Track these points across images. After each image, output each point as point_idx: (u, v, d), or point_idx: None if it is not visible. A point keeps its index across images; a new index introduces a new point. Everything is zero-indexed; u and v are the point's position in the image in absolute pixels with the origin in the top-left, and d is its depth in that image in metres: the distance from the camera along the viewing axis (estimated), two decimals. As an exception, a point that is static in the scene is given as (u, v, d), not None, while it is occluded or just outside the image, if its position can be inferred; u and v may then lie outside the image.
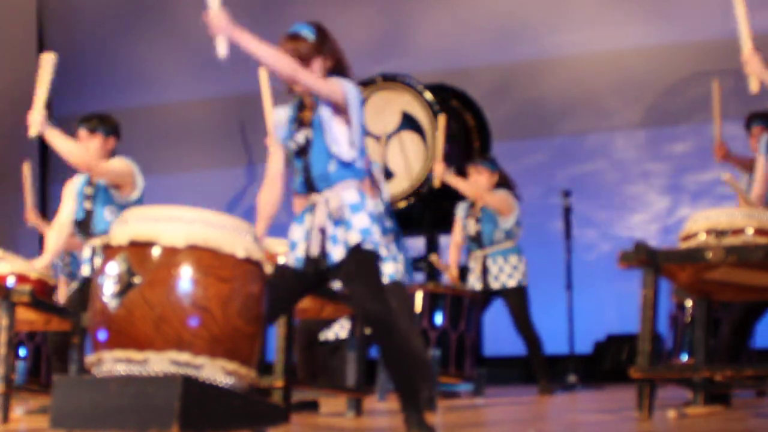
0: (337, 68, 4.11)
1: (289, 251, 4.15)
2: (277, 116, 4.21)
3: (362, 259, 4.04)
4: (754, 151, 6.56)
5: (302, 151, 4.10)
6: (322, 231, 4.06)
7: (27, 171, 8.09)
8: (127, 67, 11.54)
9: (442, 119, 7.85)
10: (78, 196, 6.03)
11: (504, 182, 7.56)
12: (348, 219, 4.05)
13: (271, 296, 3.92)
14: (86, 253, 5.93)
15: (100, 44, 11.71)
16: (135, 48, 11.56)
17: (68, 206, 6.04)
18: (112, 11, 11.80)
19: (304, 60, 4.04)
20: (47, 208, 11.31)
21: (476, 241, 7.49)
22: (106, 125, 6.00)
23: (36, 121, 5.49)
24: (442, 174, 7.40)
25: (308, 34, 4.08)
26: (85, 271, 5.93)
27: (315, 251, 4.06)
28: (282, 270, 4.14)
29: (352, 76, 4.14)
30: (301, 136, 4.11)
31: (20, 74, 11.50)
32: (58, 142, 5.66)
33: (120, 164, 5.90)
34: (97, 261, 5.79)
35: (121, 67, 11.55)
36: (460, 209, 7.64)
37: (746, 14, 4.68)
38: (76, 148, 5.75)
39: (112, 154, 6.00)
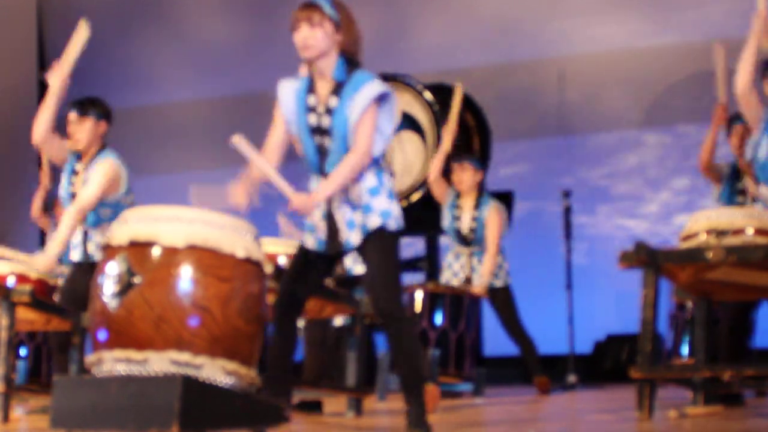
0: (349, 47, 4.07)
1: (308, 234, 4.13)
2: (283, 91, 4.17)
3: (381, 244, 4.03)
4: (734, 149, 6.53)
5: (317, 133, 4.06)
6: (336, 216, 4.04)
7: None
8: (126, 67, 11.54)
9: (458, 89, 7.66)
10: (67, 173, 5.84)
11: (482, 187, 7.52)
12: (367, 203, 4.03)
13: (298, 278, 4.05)
14: (78, 237, 5.79)
15: (100, 44, 11.67)
16: (135, 48, 11.57)
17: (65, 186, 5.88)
18: (111, 11, 11.80)
19: (314, 22, 4.00)
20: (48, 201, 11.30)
21: (465, 239, 7.45)
22: (98, 108, 5.84)
23: (42, 265, 5.35)
24: (485, 290, 7.30)
25: (324, 4, 4.04)
26: (74, 255, 5.79)
27: (343, 236, 4.03)
28: (303, 252, 4.12)
29: (361, 57, 4.09)
30: (317, 120, 4.04)
31: (20, 74, 11.52)
32: (61, 242, 5.44)
33: (102, 172, 5.64)
34: (91, 246, 5.75)
35: (120, 67, 11.55)
36: (449, 195, 7.54)
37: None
38: (69, 224, 5.49)
39: (103, 138, 5.84)
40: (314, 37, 4.01)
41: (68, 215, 5.54)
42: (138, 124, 10.99)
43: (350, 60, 4.09)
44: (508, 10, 10.40)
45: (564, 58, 10.20)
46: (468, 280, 7.39)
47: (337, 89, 4.03)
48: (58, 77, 5.55)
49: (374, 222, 4.03)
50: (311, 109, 4.07)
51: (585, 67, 10.15)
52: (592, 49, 10.13)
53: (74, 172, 5.83)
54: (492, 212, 7.38)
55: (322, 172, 4.07)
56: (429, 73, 9.66)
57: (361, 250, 4.06)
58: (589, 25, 10.14)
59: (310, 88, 4.09)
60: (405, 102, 8.86)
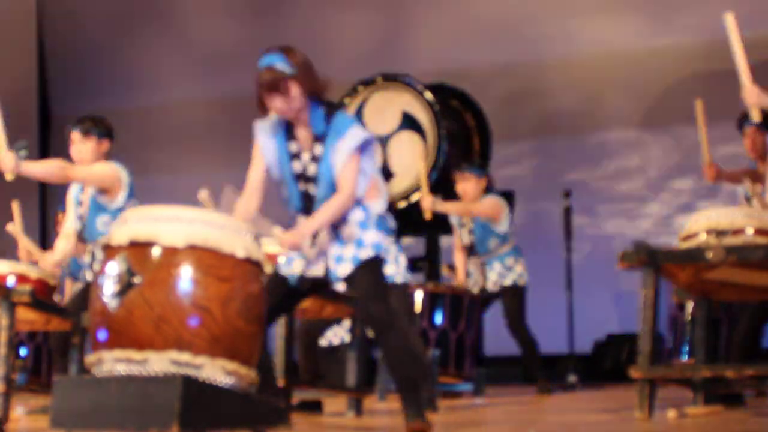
0: (313, 88, 4.10)
1: (285, 264, 4.18)
2: (261, 135, 4.21)
3: (369, 268, 4.14)
4: (747, 152, 6.51)
5: (302, 179, 4.14)
6: (325, 252, 4.13)
7: (16, 209, 7.67)
8: (126, 68, 11.54)
9: (422, 157, 7.75)
10: (74, 204, 5.99)
11: (490, 185, 7.50)
12: (359, 237, 4.14)
13: (272, 303, 4.02)
14: (87, 258, 5.92)
15: (100, 44, 11.70)
16: (134, 48, 11.56)
17: (72, 214, 6.02)
18: (111, 12, 11.80)
19: (282, 90, 4.03)
20: (47, 212, 11.31)
21: (471, 250, 7.46)
22: (100, 128, 5.94)
23: (6, 164, 5.39)
24: (431, 206, 7.24)
25: (281, 64, 4.06)
26: (87, 276, 5.92)
27: (321, 273, 4.14)
28: (277, 279, 4.18)
29: (326, 91, 4.15)
30: (302, 167, 4.13)
31: (20, 74, 11.51)
32: (33, 170, 5.60)
33: (101, 167, 5.82)
34: (96, 266, 5.80)
35: (120, 67, 11.54)
36: (453, 216, 7.57)
37: (742, 47, 4.68)
38: (49, 167, 5.69)
39: (106, 156, 5.94)
40: (287, 103, 4.06)
41: (52, 163, 5.75)
42: (138, 124, 10.99)
43: (325, 103, 4.12)
44: (509, 10, 10.40)
45: (564, 58, 10.20)
46: (483, 290, 7.39)
47: (321, 136, 4.10)
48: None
49: (367, 254, 4.13)
50: (294, 156, 4.13)
51: (585, 68, 10.14)
52: (592, 50, 10.12)
53: (79, 203, 5.93)
54: (488, 197, 7.34)
55: (308, 215, 4.14)
56: (429, 73, 9.66)
57: (350, 277, 4.15)
58: (589, 26, 10.13)
59: (290, 134, 4.13)
60: (405, 102, 8.85)
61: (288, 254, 4.18)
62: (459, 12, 10.54)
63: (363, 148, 4.11)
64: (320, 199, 4.11)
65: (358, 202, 4.16)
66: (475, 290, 7.38)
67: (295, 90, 4.05)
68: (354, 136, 4.09)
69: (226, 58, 10.64)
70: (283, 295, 4.21)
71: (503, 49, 10.35)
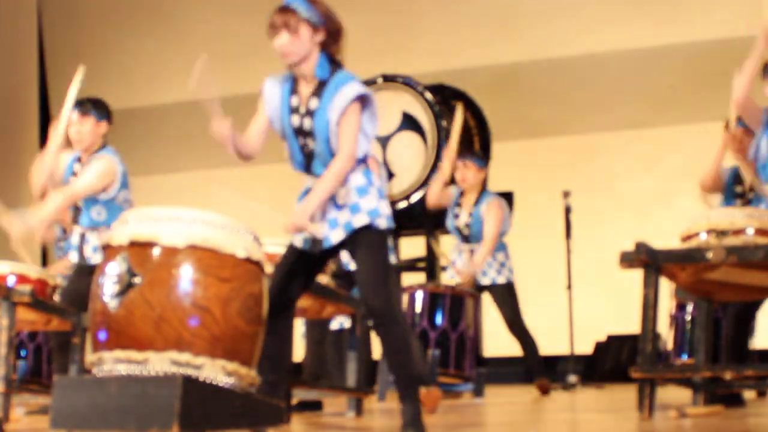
0: (330, 44, 4.02)
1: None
2: (268, 90, 4.15)
3: (369, 242, 4.00)
4: (734, 153, 6.47)
5: (301, 133, 4.05)
6: (322, 214, 4.02)
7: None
8: (126, 68, 11.54)
9: (459, 109, 7.76)
10: (67, 176, 5.88)
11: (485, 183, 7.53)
12: (355, 202, 4.00)
13: (288, 276, 3.98)
14: (75, 239, 5.84)
15: (100, 44, 11.71)
16: (135, 48, 11.57)
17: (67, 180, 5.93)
18: (112, 11, 11.81)
19: (291, 28, 3.95)
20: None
21: (463, 236, 7.45)
22: (99, 109, 5.91)
23: (13, 228, 5.38)
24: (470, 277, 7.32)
25: (299, 6, 3.99)
26: (73, 257, 5.84)
27: (320, 234, 4.00)
28: (293, 250, 4.12)
29: (344, 51, 4.08)
30: (299, 122, 4.03)
31: (20, 74, 11.52)
32: (44, 216, 5.55)
33: (97, 168, 5.71)
34: (87, 249, 5.78)
35: (121, 67, 11.55)
36: (453, 189, 7.56)
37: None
38: (53, 205, 5.58)
39: (104, 139, 5.88)
40: (293, 44, 3.97)
41: (57, 196, 5.64)
42: (138, 124, 11.00)
43: (332, 59, 4.04)
44: (509, 10, 10.41)
45: (565, 58, 10.21)
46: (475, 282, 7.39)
47: (318, 90, 4.00)
48: (56, 129, 5.61)
49: (361, 221, 3.99)
50: (294, 110, 4.05)
51: (585, 67, 10.15)
52: (593, 49, 10.13)
53: (73, 174, 5.88)
54: (492, 206, 7.37)
55: (309, 172, 4.06)
56: (429, 74, 9.67)
57: (350, 249, 4.04)
58: (590, 25, 10.14)
59: (294, 89, 4.08)
60: (405, 102, 8.86)
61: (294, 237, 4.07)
62: (459, 12, 10.55)
63: (361, 103, 3.97)
64: (319, 154, 4.00)
65: (360, 161, 4.01)
66: (458, 279, 7.37)
67: (304, 33, 3.95)
68: (350, 89, 3.94)
69: (227, 59, 10.65)
70: (303, 264, 4.09)
71: (503, 49, 10.36)
